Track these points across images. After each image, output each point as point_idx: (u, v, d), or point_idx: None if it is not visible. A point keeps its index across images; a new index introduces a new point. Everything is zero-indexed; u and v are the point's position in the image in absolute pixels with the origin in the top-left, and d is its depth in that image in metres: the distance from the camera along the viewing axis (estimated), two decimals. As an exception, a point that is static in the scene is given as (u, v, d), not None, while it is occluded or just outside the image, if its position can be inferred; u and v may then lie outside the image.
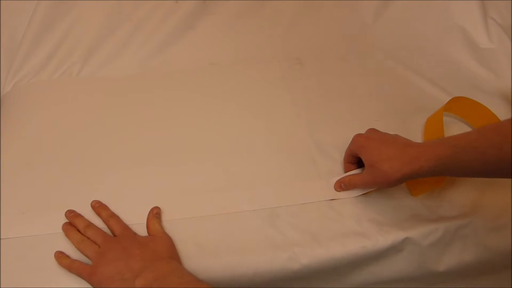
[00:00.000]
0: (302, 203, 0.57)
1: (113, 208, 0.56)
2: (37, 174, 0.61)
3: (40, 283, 0.49)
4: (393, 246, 0.54)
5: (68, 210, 0.55)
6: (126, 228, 0.53)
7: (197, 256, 0.52)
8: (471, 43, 0.77)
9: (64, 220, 0.55)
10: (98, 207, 0.56)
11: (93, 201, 0.56)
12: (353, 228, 0.55)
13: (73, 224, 0.54)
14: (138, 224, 0.55)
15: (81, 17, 0.77)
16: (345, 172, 0.60)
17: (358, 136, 0.57)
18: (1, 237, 0.53)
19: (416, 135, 0.66)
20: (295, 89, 0.73)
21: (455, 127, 0.66)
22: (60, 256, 0.51)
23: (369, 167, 0.53)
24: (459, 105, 0.66)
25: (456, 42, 0.78)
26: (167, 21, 0.79)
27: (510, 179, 0.59)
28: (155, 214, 0.55)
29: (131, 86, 0.74)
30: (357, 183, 0.56)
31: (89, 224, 0.53)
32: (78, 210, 0.56)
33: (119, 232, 0.52)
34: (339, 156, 0.62)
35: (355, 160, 0.59)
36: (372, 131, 0.58)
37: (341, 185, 0.58)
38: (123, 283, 0.46)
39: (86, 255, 0.50)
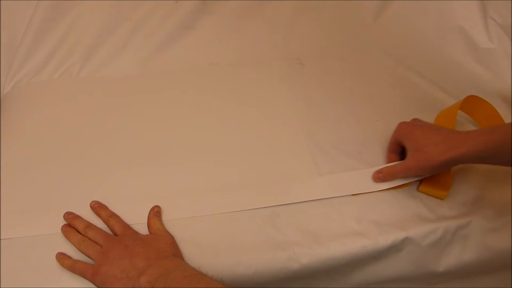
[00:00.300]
0: (302, 202, 0.57)
1: (113, 208, 0.56)
2: (37, 174, 0.61)
3: (40, 283, 0.49)
4: (393, 246, 0.54)
5: (66, 213, 0.55)
6: (127, 227, 0.53)
7: (197, 256, 0.52)
8: (471, 43, 0.77)
9: (62, 220, 0.55)
10: (98, 207, 0.56)
11: (92, 201, 0.56)
12: (353, 228, 0.55)
13: (73, 225, 0.54)
14: (138, 224, 0.55)
15: (81, 17, 0.77)
16: (387, 163, 0.60)
17: (403, 123, 0.58)
18: (1, 237, 0.53)
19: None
20: (295, 89, 0.74)
21: (460, 128, 0.66)
22: (62, 257, 0.51)
23: (414, 152, 0.54)
24: (470, 104, 0.66)
25: (456, 42, 0.78)
26: (167, 21, 0.79)
27: (510, 180, 0.59)
28: (156, 213, 0.55)
29: (131, 86, 0.74)
30: (398, 171, 0.56)
31: (89, 225, 0.53)
32: (78, 210, 0.56)
33: (120, 231, 0.52)
34: (339, 156, 0.63)
35: (399, 150, 0.59)
36: (417, 120, 0.59)
37: (380, 176, 0.57)
38: (128, 281, 0.46)
39: (88, 256, 0.50)
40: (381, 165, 0.61)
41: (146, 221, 0.55)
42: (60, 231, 0.54)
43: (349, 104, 0.70)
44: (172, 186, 0.59)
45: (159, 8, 0.79)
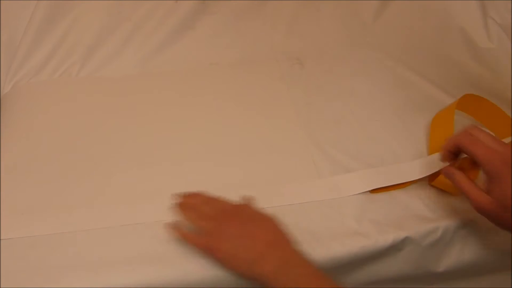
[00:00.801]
0: (302, 202, 0.57)
1: (112, 207, 0.56)
2: (37, 174, 0.61)
3: (40, 283, 0.49)
4: (393, 246, 0.54)
5: (179, 195, 0.54)
6: (231, 204, 0.52)
7: (197, 256, 0.51)
8: (471, 43, 0.77)
9: (63, 220, 0.55)
10: (186, 201, 0.53)
11: (174, 199, 0.54)
12: (353, 228, 0.55)
13: (187, 203, 0.53)
14: (138, 224, 0.55)
15: (81, 17, 0.77)
16: (443, 159, 0.52)
17: (495, 152, 0.46)
18: (1, 237, 0.53)
19: (416, 135, 0.66)
20: (295, 89, 0.74)
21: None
22: (173, 227, 0.50)
23: (500, 202, 0.45)
24: (469, 103, 0.66)
25: (456, 42, 0.78)
26: (167, 21, 0.79)
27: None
28: (248, 199, 0.54)
29: (131, 86, 0.74)
30: (467, 191, 0.48)
31: (205, 200, 0.52)
32: (78, 210, 0.56)
33: (228, 207, 0.51)
34: (339, 156, 0.62)
35: (455, 157, 0.52)
36: (507, 147, 0.47)
37: (449, 175, 0.51)
38: (249, 264, 0.45)
39: (202, 228, 0.49)
40: (382, 165, 0.61)
41: (146, 221, 0.55)
42: (60, 231, 0.54)
43: (349, 104, 0.70)
44: (172, 186, 0.59)
45: (159, 8, 0.79)
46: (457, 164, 0.57)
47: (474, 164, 0.57)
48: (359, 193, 0.58)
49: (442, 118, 0.65)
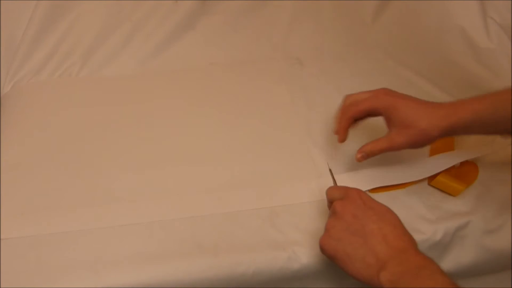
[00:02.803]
0: (302, 202, 0.57)
1: (112, 207, 0.56)
2: (37, 174, 0.61)
3: (40, 283, 0.49)
4: (393, 246, 0.54)
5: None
6: (347, 188, 0.48)
7: (197, 256, 0.52)
8: (471, 43, 0.77)
9: (63, 220, 0.55)
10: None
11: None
12: (353, 228, 0.54)
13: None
14: (138, 224, 0.55)
15: (81, 17, 0.77)
16: (340, 139, 0.56)
17: (383, 94, 0.53)
18: (1, 237, 0.53)
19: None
20: (294, 89, 0.74)
21: (471, 138, 0.64)
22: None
23: (402, 129, 0.51)
24: None
25: (456, 42, 0.78)
26: (167, 21, 0.79)
27: (510, 180, 0.59)
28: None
29: (131, 86, 0.74)
30: (384, 148, 0.53)
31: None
32: (78, 210, 0.56)
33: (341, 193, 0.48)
34: (338, 156, 0.62)
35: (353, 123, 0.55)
36: (391, 90, 0.54)
37: (363, 155, 0.54)
38: (365, 268, 0.42)
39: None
40: (381, 165, 0.61)
41: (145, 220, 0.55)
42: (60, 231, 0.54)
43: (349, 104, 0.70)
44: (172, 186, 0.59)
45: (159, 8, 0.79)
46: (455, 169, 0.57)
47: (472, 165, 0.57)
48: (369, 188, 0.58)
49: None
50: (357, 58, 0.79)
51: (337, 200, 0.48)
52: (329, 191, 0.50)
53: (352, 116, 0.54)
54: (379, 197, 0.57)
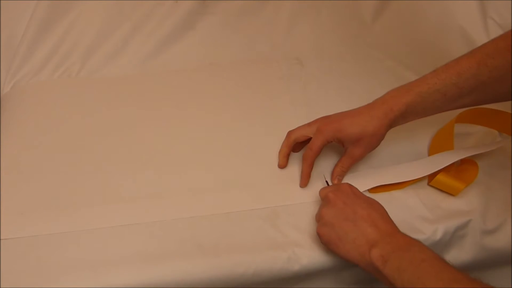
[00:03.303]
0: (302, 202, 0.57)
1: (112, 207, 0.56)
2: (37, 174, 0.61)
3: (40, 283, 0.49)
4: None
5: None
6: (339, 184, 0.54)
7: (197, 256, 0.52)
8: (470, 43, 0.76)
9: (63, 220, 0.55)
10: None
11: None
12: (353, 228, 0.54)
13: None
14: (138, 224, 0.55)
15: (81, 17, 0.77)
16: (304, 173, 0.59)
17: (324, 125, 0.57)
18: (1, 237, 0.53)
19: (416, 135, 0.66)
20: (294, 89, 0.73)
21: (471, 139, 0.65)
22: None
23: (355, 142, 0.56)
24: (472, 115, 0.65)
25: (456, 42, 0.78)
26: (167, 21, 0.79)
27: (510, 179, 0.59)
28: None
29: (131, 86, 0.74)
30: (348, 164, 0.58)
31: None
32: (78, 210, 0.56)
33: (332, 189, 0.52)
34: (338, 156, 0.62)
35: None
36: (325, 117, 0.59)
37: (338, 177, 0.59)
38: (355, 248, 0.45)
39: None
40: (381, 165, 0.61)
41: (145, 221, 0.55)
42: (60, 231, 0.54)
43: (349, 104, 0.70)
44: (172, 186, 0.59)
45: (159, 8, 0.79)
46: (454, 169, 0.57)
47: (472, 164, 0.57)
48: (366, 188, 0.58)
49: (441, 136, 0.65)
50: (357, 58, 0.79)
51: (329, 189, 0.52)
52: (321, 189, 0.55)
53: (312, 158, 0.59)
54: (379, 197, 0.57)
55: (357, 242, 0.46)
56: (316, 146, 0.58)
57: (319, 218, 0.51)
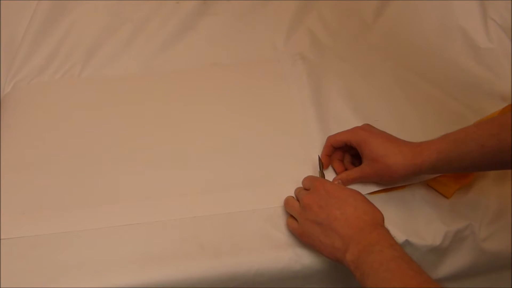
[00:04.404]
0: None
1: (112, 207, 0.56)
2: (37, 174, 0.60)
3: (40, 283, 0.49)
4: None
5: None
6: (313, 179, 0.53)
7: (199, 256, 0.52)
8: (471, 43, 0.77)
9: (63, 220, 0.55)
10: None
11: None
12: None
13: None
14: (138, 224, 0.55)
15: (82, 18, 0.77)
16: (325, 166, 0.60)
17: (359, 129, 0.57)
18: (1, 237, 0.53)
19: (416, 135, 0.65)
20: (295, 89, 0.73)
21: None
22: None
23: (371, 161, 0.54)
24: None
25: (456, 42, 0.78)
26: (168, 21, 0.79)
27: (509, 179, 0.59)
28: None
29: (132, 87, 0.74)
30: (356, 177, 0.56)
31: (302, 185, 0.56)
32: (78, 210, 0.56)
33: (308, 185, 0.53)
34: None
35: (341, 156, 0.60)
36: (370, 126, 0.58)
37: (339, 182, 0.57)
38: (334, 251, 0.46)
39: (292, 214, 0.53)
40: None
41: (146, 221, 0.55)
42: (60, 231, 0.54)
43: (349, 104, 0.70)
44: (173, 186, 0.59)
45: (160, 9, 0.79)
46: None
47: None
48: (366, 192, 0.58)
49: None
50: (357, 58, 0.79)
51: (303, 193, 0.52)
52: (296, 190, 0.56)
53: (331, 143, 0.60)
54: (379, 198, 0.57)
55: (335, 246, 0.46)
56: (340, 136, 0.58)
57: (298, 217, 0.51)
